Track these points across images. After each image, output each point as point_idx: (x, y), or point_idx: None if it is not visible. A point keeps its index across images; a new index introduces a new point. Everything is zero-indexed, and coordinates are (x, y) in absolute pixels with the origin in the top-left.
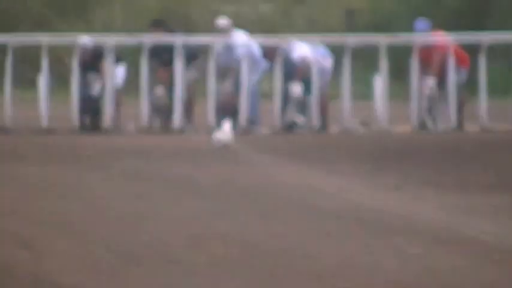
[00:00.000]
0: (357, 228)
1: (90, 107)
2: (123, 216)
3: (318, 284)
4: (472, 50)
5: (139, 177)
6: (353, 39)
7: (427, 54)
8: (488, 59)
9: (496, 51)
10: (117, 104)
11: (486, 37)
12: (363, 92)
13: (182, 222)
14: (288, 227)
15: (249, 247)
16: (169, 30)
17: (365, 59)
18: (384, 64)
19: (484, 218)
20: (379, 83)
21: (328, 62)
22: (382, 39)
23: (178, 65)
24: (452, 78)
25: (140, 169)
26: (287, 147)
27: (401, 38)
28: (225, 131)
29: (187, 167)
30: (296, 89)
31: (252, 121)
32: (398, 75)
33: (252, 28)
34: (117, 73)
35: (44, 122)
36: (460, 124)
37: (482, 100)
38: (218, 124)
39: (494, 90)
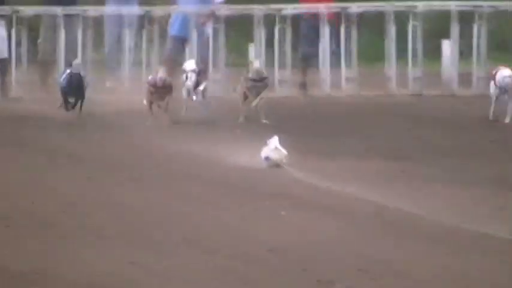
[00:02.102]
0: (231, 194)
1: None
2: None
3: (193, 247)
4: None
5: (15, 145)
6: (227, 9)
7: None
8: (359, 28)
9: (366, 21)
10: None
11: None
12: (237, 60)
13: (57, 188)
14: (163, 194)
15: (123, 212)
16: None
17: (240, 28)
18: (259, 33)
19: (351, 182)
20: (252, 51)
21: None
22: (257, 9)
23: None
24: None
25: (15, 137)
26: (165, 115)
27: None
28: (277, 147)
29: (61, 135)
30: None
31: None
32: (272, 43)
33: None
34: None
35: None
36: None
37: (354, 67)
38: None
39: (367, 57)
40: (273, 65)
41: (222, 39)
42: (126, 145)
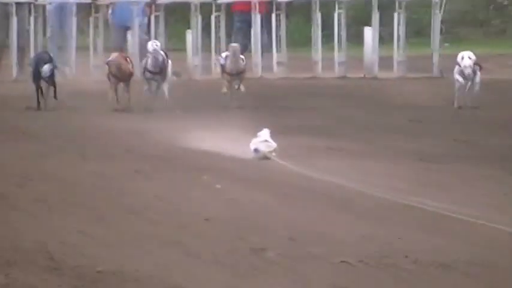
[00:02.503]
0: (168, 167)
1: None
2: None
3: (134, 216)
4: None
5: None
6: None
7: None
8: (288, 16)
9: (294, 9)
10: None
11: None
12: (176, 45)
13: (10, 162)
14: (106, 167)
15: (69, 185)
16: None
17: (178, 16)
18: (196, 20)
19: (283, 157)
20: (190, 37)
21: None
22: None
23: None
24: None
25: None
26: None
27: None
28: (267, 140)
29: (12, 114)
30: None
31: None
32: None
33: None
34: None
35: None
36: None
37: (283, 51)
38: None
39: (295, 43)
40: (210, 50)
41: (162, 25)
42: (86, 125)
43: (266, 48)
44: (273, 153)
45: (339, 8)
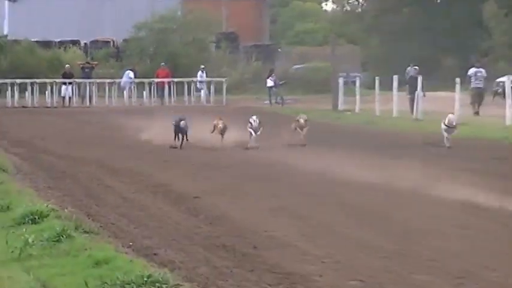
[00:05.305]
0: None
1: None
2: None
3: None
4: None
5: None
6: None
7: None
8: (177, 87)
9: (178, 85)
10: None
11: (176, 79)
12: None
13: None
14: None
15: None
16: None
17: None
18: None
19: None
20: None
21: None
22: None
23: None
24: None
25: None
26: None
27: None
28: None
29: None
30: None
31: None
32: None
33: None
34: None
35: None
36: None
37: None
38: None
39: (179, 93)
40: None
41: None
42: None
43: (169, 96)
44: None
45: (194, 84)
